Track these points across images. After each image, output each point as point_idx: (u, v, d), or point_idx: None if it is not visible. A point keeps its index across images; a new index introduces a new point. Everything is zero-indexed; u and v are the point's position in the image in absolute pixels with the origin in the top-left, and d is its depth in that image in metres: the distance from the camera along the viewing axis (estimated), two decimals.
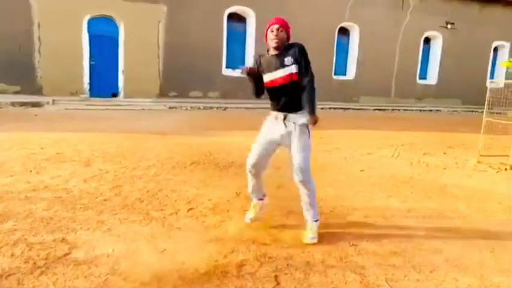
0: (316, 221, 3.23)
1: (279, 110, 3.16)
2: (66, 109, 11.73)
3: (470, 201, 4.58)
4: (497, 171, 6.25)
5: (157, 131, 8.34)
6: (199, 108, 13.96)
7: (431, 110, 18.38)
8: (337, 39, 17.53)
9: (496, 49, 21.24)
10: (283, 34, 3.08)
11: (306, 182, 3.11)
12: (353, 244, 3.16)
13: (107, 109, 12.31)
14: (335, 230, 3.44)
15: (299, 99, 3.09)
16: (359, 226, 3.58)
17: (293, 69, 3.04)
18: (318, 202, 3.41)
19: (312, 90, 3.04)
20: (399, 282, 2.64)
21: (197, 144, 7.03)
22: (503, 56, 20.71)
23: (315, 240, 3.13)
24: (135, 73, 14.04)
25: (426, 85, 19.74)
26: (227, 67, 15.84)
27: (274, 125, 3.19)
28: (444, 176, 5.78)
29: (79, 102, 12.70)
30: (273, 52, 3.12)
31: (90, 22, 13.45)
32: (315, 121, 3.03)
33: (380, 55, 18.07)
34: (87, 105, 12.51)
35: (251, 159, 3.24)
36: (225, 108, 14.32)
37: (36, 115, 10.15)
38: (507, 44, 20.65)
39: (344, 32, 17.87)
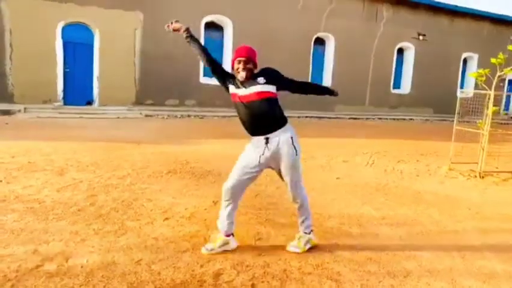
0: (307, 233, 3.21)
1: (257, 134, 3.02)
2: (38, 117, 11.45)
3: (442, 208, 4.70)
4: (467, 178, 6.45)
5: (132, 140, 8.24)
6: (175, 116, 13.87)
7: (404, 119, 18.82)
8: (313, 49, 17.78)
9: (465, 60, 21.99)
10: (250, 66, 2.99)
11: (299, 199, 3.13)
12: (328, 251, 3.20)
13: (81, 117, 12.09)
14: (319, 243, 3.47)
15: (276, 116, 3.02)
16: (335, 233, 3.63)
17: (269, 87, 2.98)
18: (294, 211, 3.43)
19: (310, 83, 3.42)
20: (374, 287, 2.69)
21: (174, 153, 6.98)
22: (472, 67, 21.44)
23: (298, 250, 3.13)
24: (110, 81, 13.85)
25: (399, 94, 20.22)
26: (204, 75, 15.83)
27: (256, 149, 3.04)
28: (417, 183, 5.93)
29: (52, 110, 12.42)
30: (241, 80, 3.02)
31: (64, 29, 13.22)
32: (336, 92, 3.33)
33: (355, 65, 18.42)
34: (60, 113, 12.25)
35: (229, 182, 3.07)
36: (202, 117, 14.28)
37: (7, 123, 9.86)
38: (475, 56, 21.40)
39: (320, 42, 18.16)
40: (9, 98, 12.46)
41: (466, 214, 4.54)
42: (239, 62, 2.97)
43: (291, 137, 3.01)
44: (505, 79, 22.46)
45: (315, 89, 3.42)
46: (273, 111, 3.01)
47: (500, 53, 6.19)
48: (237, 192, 3.09)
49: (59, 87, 13.29)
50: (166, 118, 13.50)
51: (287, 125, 3.06)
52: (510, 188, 6.04)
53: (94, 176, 5.15)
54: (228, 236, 3.11)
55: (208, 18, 15.67)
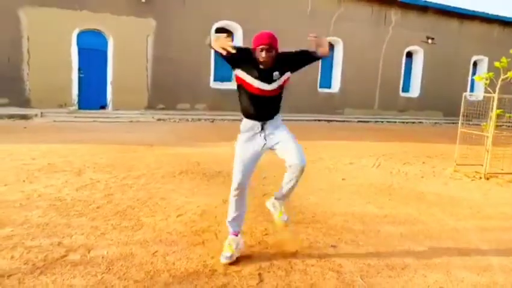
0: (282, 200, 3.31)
1: (256, 119, 3.07)
2: (54, 121, 11.82)
3: (444, 207, 4.86)
4: (472, 180, 6.58)
5: (145, 142, 8.52)
6: (186, 120, 14.16)
7: (413, 122, 18.87)
8: None
9: (475, 63, 21.97)
10: (273, 53, 2.93)
11: (304, 164, 3.02)
12: (332, 245, 3.40)
13: (95, 121, 12.43)
14: (316, 233, 3.67)
15: (279, 106, 3.16)
16: (338, 230, 3.83)
17: (282, 79, 3.03)
18: (301, 209, 3.63)
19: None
20: (372, 278, 2.88)
21: (185, 155, 7.23)
22: (482, 70, 21.40)
23: (285, 218, 3.24)
24: (123, 85, 14.21)
25: (408, 98, 20.27)
26: (215, 80, 16.12)
27: (251, 139, 3.09)
28: (421, 184, 6.08)
29: (67, 114, 12.80)
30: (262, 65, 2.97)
31: (79, 35, 13.62)
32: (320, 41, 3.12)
33: (364, 69, 18.55)
34: (75, 117, 12.61)
35: (236, 179, 3.07)
36: (213, 120, 14.55)
37: (25, 127, 10.23)
38: (485, 59, 21.37)
39: (328, 46, 18.33)
40: (26, 103, 12.87)
41: (467, 213, 4.70)
42: (261, 50, 2.90)
43: (281, 120, 3.19)
44: None
45: (313, 57, 3.20)
46: (278, 101, 3.14)
47: (504, 57, 6.33)
48: (245, 185, 3.11)
49: (74, 92, 13.68)
50: (178, 122, 13.80)
51: (279, 116, 3.19)
52: None
53: (110, 176, 5.41)
54: (236, 235, 3.16)
55: (219, 24, 15.97)
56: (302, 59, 3.16)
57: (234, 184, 3.09)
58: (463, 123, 7.28)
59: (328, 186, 5.59)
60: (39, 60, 12.92)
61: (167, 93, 15.00)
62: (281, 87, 3.09)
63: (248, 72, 2.99)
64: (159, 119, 13.72)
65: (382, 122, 18.00)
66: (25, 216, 3.73)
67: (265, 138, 3.09)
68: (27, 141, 7.92)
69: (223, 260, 2.97)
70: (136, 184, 5.09)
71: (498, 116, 6.66)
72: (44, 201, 4.20)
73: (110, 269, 2.81)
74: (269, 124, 3.09)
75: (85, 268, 2.80)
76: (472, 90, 21.20)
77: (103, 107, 14.35)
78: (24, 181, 4.95)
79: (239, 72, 3.04)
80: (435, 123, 19.28)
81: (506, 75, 6.51)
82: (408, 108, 20.11)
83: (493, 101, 6.74)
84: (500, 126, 7.77)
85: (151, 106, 14.79)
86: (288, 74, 3.08)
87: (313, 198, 4.87)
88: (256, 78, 2.98)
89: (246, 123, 3.13)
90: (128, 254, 3.06)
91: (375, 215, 4.40)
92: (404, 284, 2.82)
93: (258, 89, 3.00)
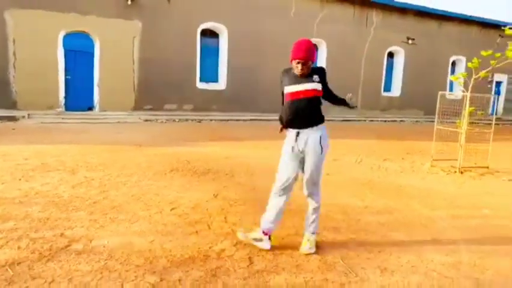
0: (314, 233, 3.35)
1: (293, 127, 3.20)
2: (42, 123, 11.89)
3: (420, 199, 5.21)
4: (447, 174, 6.98)
5: (134, 143, 8.71)
6: (174, 120, 14.35)
7: (395, 121, 19.40)
8: None
9: (454, 63, 22.66)
10: (309, 65, 3.13)
11: (314, 194, 3.28)
12: (315, 233, 3.69)
13: (83, 122, 12.54)
14: (301, 222, 3.95)
15: (316, 115, 3.20)
16: (322, 219, 4.08)
17: (319, 86, 3.17)
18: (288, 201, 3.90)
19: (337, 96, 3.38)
20: (352, 260, 3.18)
21: (175, 154, 7.46)
22: (460, 70, 22.09)
23: (313, 251, 3.25)
24: (110, 87, 14.34)
25: (390, 97, 20.82)
26: (201, 81, 16.35)
27: (292, 142, 3.23)
28: (400, 179, 6.44)
29: (54, 116, 12.87)
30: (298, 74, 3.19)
31: (66, 37, 13.70)
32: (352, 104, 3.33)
33: (347, 69, 19.01)
34: (63, 118, 12.70)
35: (281, 179, 3.24)
36: (200, 121, 14.77)
37: (13, 129, 10.31)
38: (463, 59, 22.05)
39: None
40: (12, 105, 12.91)
41: (441, 204, 5.06)
42: (298, 63, 3.09)
43: (320, 136, 3.19)
44: (492, 81, 23.21)
45: (339, 100, 3.40)
46: (315, 108, 3.19)
47: (475, 58, 6.73)
48: (289, 185, 3.26)
49: (60, 94, 13.76)
50: (165, 122, 13.98)
51: (321, 125, 3.23)
52: (485, 181, 6.58)
53: (104, 174, 5.62)
54: (266, 234, 3.27)
55: (204, 26, 16.20)
56: (326, 90, 3.29)
57: (276, 186, 3.32)
58: (440, 121, 7.68)
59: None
60: (25, 63, 12.97)
61: (154, 94, 15.18)
62: (313, 93, 3.16)
63: (287, 84, 3.23)
64: (146, 120, 13.89)
65: (365, 121, 18.46)
66: (26, 211, 3.93)
67: (297, 149, 3.22)
68: (17, 143, 8.04)
69: (240, 236, 3.33)
70: (129, 181, 5.31)
71: (471, 114, 7.06)
72: (42, 198, 4.39)
73: (111, 256, 3.04)
74: (303, 137, 3.18)
75: (88, 256, 3.03)
76: (451, 89, 21.84)
77: (90, 108, 14.45)
78: (20, 180, 5.12)
79: (283, 89, 3.27)
80: (416, 121, 19.84)
81: (478, 75, 6.91)
82: (390, 107, 20.65)
83: (466, 99, 7.14)
84: (477, 123, 8.19)
85: (138, 107, 14.94)
86: (320, 87, 3.20)
87: (300, 192, 5.15)
88: (289, 84, 3.21)
89: (290, 131, 3.28)
90: (128, 243, 3.30)
91: (356, 206, 4.72)
92: (380, 263, 3.13)
93: (295, 92, 3.17)
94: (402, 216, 4.40)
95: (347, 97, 3.38)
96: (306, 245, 3.27)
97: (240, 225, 3.81)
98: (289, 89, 3.21)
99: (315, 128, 3.18)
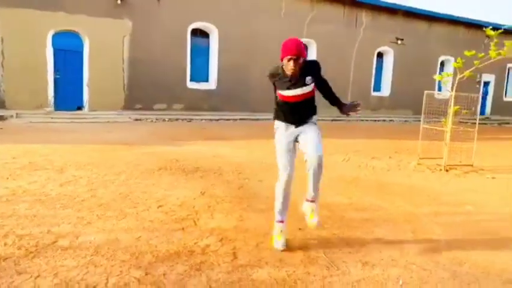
0: (314, 201, 3.42)
1: (291, 123, 3.31)
2: (31, 122, 11.83)
3: (405, 196, 5.31)
4: (433, 172, 7.10)
5: (123, 142, 8.72)
6: (163, 120, 14.36)
7: (384, 120, 19.59)
8: None
9: (442, 63, 22.92)
10: (300, 62, 3.11)
11: (323, 161, 3.25)
12: (300, 228, 3.76)
13: (72, 122, 12.50)
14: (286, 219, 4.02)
15: (311, 110, 3.33)
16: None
17: (312, 86, 3.24)
18: (273, 198, 3.96)
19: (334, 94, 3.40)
20: (334, 254, 3.25)
21: (164, 153, 7.49)
22: (449, 70, 22.35)
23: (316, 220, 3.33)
24: (100, 86, 14.31)
25: (380, 97, 21.02)
26: (191, 80, 16.37)
27: (286, 131, 3.33)
28: (386, 176, 6.54)
29: (43, 115, 12.81)
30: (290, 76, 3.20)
31: (55, 36, 13.64)
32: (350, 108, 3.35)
33: (336, 69, 19.12)
34: (52, 118, 12.64)
35: (284, 170, 3.29)
36: (190, 120, 14.79)
37: (1, 128, 10.25)
38: (452, 59, 22.32)
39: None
40: (1, 104, 12.82)
41: (424, 200, 5.16)
42: (289, 60, 3.07)
43: (313, 122, 3.36)
44: (480, 81, 23.53)
45: (334, 99, 3.44)
46: (310, 106, 3.31)
47: (459, 58, 6.86)
48: (293, 173, 3.36)
49: (50, 93, 13.70)
50: (155, 122, 13.98)
51: (315, 116, 3.36)
52: (469, 179, 6.71)
53: (92, 173, 5.64)
54: (281, 222, 3.39)
55: (195, 25, 16.22)
56: (322, 86, 3.36)
57: (282, 177, 3.37)
58: (427, 121, 7.81)
59: (299, 179, 5.95)
60: (14, 62, 12.90)
61: (144, 93, 15.17)
62: (307, 95, 3.25)
63: (279, 83, 3.26)
64: (136, 119, 13.88)
65: (355, 120, 18.61)
66: (13, 209, 3.94)
67: (296, 128, 3.33)
68: (5, 142, 8.01)
69: (280, 247, 3.24)
70: (117, 180, 5.33)
71: (456, 113, 7.18)
72: (30, 196, 4.41)
73: (98, 251, 3.08)
74: (301, 126, 3.31)
75: (75, 251, 3.07)
76: (439, 89, 22.08)
77: (80, 108, 14.40)
78: (7, 178, 5.13)
79: (276, 87, 3.33)
80: (405, 121, 20.04)
81: (462, 74, 7.04)
82: (380, 107, 20.84)
83: (451, 98, 7.27)
84: (466, 122, 8.33)
85: (128, 107, 14.92)
86: (313, 83, 3.25)
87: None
88: (283, 88, 3.23)
89: (281, 123, 3.37)
90: (114, 240, 3.33)
91: (341, 203, 4.80)
92: (361, 257, 3.20)
93: (283, 95, 3.24)
94: (386, 213, 4.49)
95: (353, 103, 3.41)
96: (314, 217, 3.34)
97: (227, 220, 3.87)
98: (283, 93, 3.25)
99: (310, 119, 3.34)
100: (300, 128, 3.31)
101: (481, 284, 2.88)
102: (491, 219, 4.48)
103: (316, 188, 3.37)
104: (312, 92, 3.28)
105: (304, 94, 3.23)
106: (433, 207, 4.88)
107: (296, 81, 3.19)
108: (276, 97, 3.39)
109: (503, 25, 8.00)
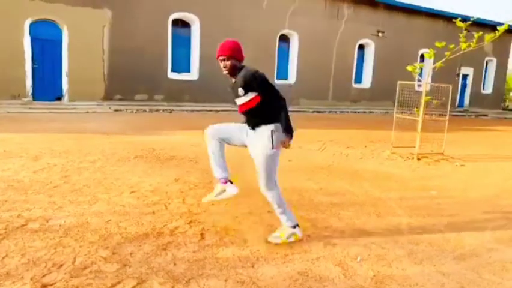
0: (290, 226, 3.21)
1: (248, 125, 3.20)
2: (8, 112, 11.67)
3: (374, 182, 5.49)
4: (405, 160, 7.31)
5: (101, 131, 8.71)
6: (144, 110, 14.31)
7: (365, 112, 19.86)
8: (278, 46, 18.53)
9: (422, 56, 23.27)
10: (231, 61, 3.05)
11: (266, 191, 3.22)
12: (268, 211, 3.88)
13: (51, 112, 12.37)
14: (256, 202, 4.14)
15: (266, 115, 3.06)
16: None
17: (251, 95, 3.03)
18: (246, 183, 4.08)
19: (286, 113, 3.04)
20: (304, 237, 3.38)
21: (141, 142, 7.53)
22: (429, 62, 22.74)
23: (279, 241, 3.17)
24: (79, 76, 14.16)
25: (361, 88, 21.28)
26: (172, 71, 16.31)
27: (244, 128, 3.25)
28: (359, 164, 6.72)
29: (21, 105, 12.64)
30: (230, 78, 3.16)
31: (32, 25, 13.42)
32: (287, 142, 3.08)
33: (318, 61, 19.31)
34: (30, 108, 12.49)
35: (211, 128, 3.26)
36: (171, 111, 14.77)
37: None
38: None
39: (284, 39, 18.92)
40: None
41: (393, 186, 5.34)
42: (221, 61, 3.06)
43: (272, 130, 3.05)
44: (459, 74, 23.99)
45: (282, 118, 3.08)
46: (260, 113, 3.07)
47: (431, 49, 7.04)
48: (215, 136, 3.24)
49: (28, 83, 13.51)
50: (135, 112, 13.92)
51: (273, 124, 3.07)
52: (439, 166, 6.94)
53: (67, 160, 5.66)
54: (224, 183, 3.26)
55: (176, 16, 16.13)
56: (268, 98, 3.08)
57: (206, 131, 3.30)
58: (401, 111, 8.01)
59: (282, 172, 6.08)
60: None
61: (125, 84, 15.07)
62: (248, 106, 3.08)
63: (230, 89, 3.20)
64: (116, 110, 13.80)
65: (336, 112, 18.83)
66: None
67: (249, 137, 3.21)
68: None
69: (204, 200, 3.39)
70: (92, 167, 5.37)
71: (427, 103, 7.38)
72: (2, 183, 4.43)
73: (67, 233, 3.15)
74: (256, 130, 3.12)
75: (44, 234, 3.13)
76: (420, 81, 22.44)
77: (59, 98, 14.24)
78: None
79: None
80: (386, 112, 20.34)
81: (434, 65, 7.24)
82: (361, 98, 21.10)
83: (423, 88, 7.46)
84: (443, 115, 8.53)
85: (108, 97, 14.81)
86: (253, 94, 3.04)
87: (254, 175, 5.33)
88: (232, 94, 3.16)
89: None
90: (84, 223, 3.40)
91: (311, 188, 4.94)
92: (324, 238, 3.34)
93: (239, 105, 3.15)
94: (353, 197, 4.64)
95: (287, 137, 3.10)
96: (276, 233, 3.24)
97: (197, 205, 3.97)
98: (234, 99, 3.18)
99: (267, 125, 3.07)
100: (251, 137, 3.18)
101: (434, 260, 3.05)
102: (452, 203, 4.68)
103: (278, 212, 3.26)
104: (257, 98, 3.03)
105: (244, 104, 3.09)
106: (400, 192, 5.06)
107: (235, 91, 3.12)
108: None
109: (472, 17, 8.18)
